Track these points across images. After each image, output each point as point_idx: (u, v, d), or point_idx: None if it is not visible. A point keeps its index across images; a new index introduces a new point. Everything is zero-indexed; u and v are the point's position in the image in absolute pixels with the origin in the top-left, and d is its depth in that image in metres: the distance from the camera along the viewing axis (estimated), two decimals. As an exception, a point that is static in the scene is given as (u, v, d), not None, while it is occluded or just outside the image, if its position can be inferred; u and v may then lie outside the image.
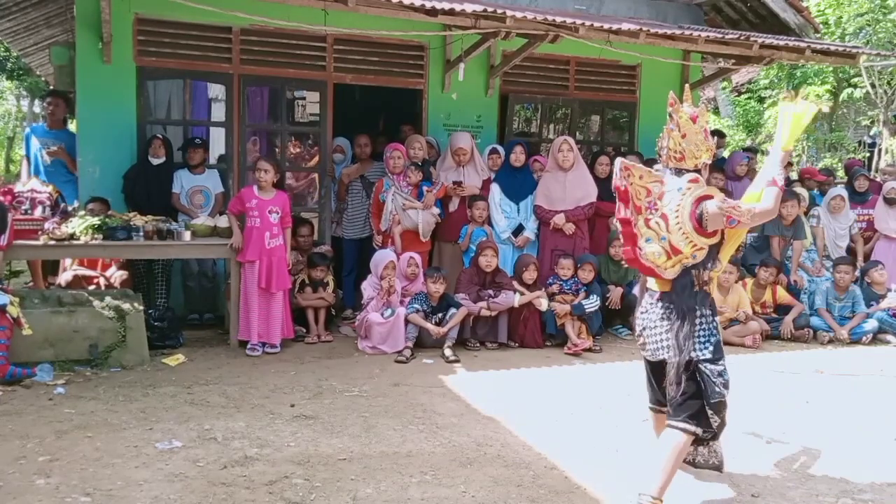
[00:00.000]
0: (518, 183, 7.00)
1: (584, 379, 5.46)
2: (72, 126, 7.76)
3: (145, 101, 6.72)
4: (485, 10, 6.26)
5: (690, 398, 3.23)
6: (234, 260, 5.88)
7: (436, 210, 6.72)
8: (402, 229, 6.62)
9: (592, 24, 6.51)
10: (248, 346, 5.76)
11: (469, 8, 6.19)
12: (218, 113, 7.94)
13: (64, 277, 6.33)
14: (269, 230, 5.80)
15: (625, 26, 6.65)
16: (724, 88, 16.90)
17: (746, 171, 8.23)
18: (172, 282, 6.58)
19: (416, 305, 6.10)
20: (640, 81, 8.43)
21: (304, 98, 11.59)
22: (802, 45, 7.56)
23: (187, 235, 5.88)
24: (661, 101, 8.40)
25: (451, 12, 6.17)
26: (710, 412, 3.23)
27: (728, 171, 8.07)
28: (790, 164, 10.30)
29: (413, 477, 3.55)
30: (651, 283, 3.39)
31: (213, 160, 7.26)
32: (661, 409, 3.58)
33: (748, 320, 6.73)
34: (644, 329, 3.38)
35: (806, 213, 7.87)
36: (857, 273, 7.52)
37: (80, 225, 5.56)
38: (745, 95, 17.02)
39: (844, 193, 8.04)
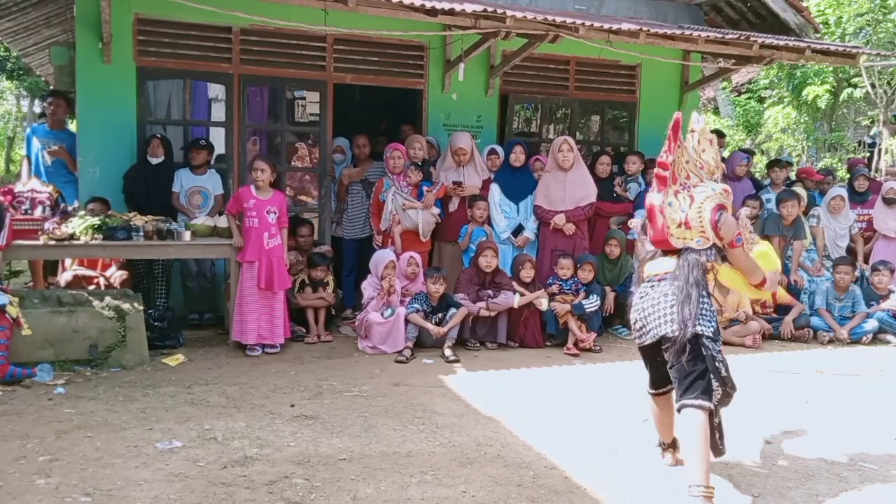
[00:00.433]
0: (518, 183, 7.00)
1: (584, 379, 5.46)
2: (72, 126, 7.77)
3: (145, 101, 6.72)
4: (485, 10, 6.26)
5: (699, 377, 3.29)
6: (233, 260, 5.88)
7: (436, 210, 6.72)
8: (402, 229, 6.62)
9: (592, 24, 6.51)
10: (248, 346, 5.76)
11: (469, 8, 6.19)
12: (218, 113, 7.94)
13: (64, 277, 6.33)
14: (267, 230, 5.79)
15: (625, 26, 6.65)
16: (724, 88, 16.90)
17: (746, 172, 8.24)
18: (172, 282, 6.58)
19: (416, 305, 6.10)
20: (640, 81, 8.43)
21: (304, 98, 11.59)
22: (802, 45, 7.56)
23: (187, 235, 5.87)
24: (661, 101, 8.56)
25: (451, 12, 6.17)
26: (714, 384, 3.29)
27: (728, 171, 8.07)
28: (789, 163, 10.28)
29: (413, 477, 3.55)
30: (652, 268, 3.47)
31: (212, 160, 7.26)
32: (662, 392, 3.67)
33: (748, 320, 6.73)
34: (643, 312, 3.43)
35: (805, 213, 7.87)
36: (858, 273, 7.53)
37: (80, 225, 5.57)
38: (745, 95, 17.03)
39: (844, 193, 8.04)
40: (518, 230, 7.00)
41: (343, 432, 4.11)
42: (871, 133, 15.79)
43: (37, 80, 16.53)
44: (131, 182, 6.48)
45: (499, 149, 7.24)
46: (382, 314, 5.98)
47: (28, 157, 7.50)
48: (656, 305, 3.38)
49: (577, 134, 8.62)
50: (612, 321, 6.95)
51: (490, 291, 6.27)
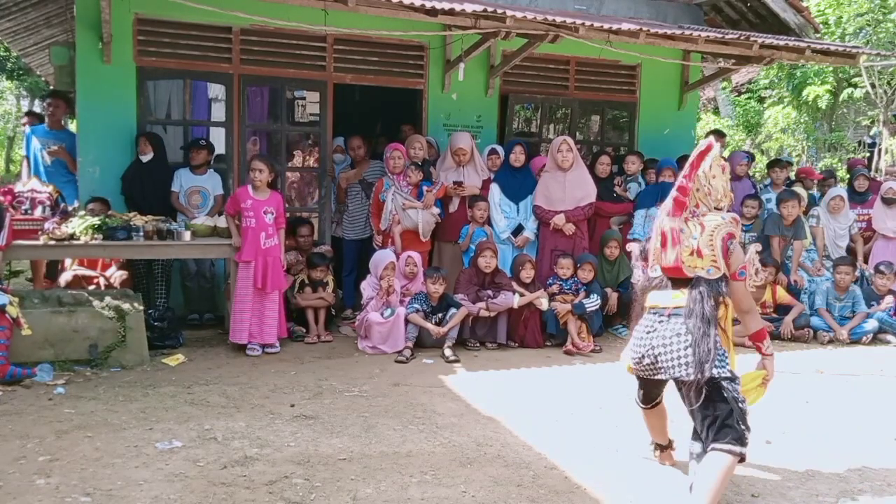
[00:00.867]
0: (518, 183, 7.00)
1: (584, 379, 5.46)
2: (72, 126, 7.76)
3: (145, 101, 6.72)
4: (485, 10, 6.26)
5: (725, 420, 3.14)
6: (233, 260, 5.88)
7: (436, 210, 6.72)
8: (402, 229, 6.62)
9: (592, 24, 6.51)
10: (248, 345, 5.76)
11: (469, 8, 6.19)
12: (218, 113, 7.94)
13: (64, 277, 6.33)
14: (264, 230, 5.79)
15: (625, 26, 6.65)
16: (724, 88, 16.90)
17: (745, 172, 8.23)
18: (172, 282, 6.58)
19: (416, 305, 6.10)
20: (640, 81, 8.43)
21: (304, 98, 11.59)
22: (802, 45, 7.56)
23: (187, 235, 5.88)
24: (661, 101, 8.56)
25: (451, 12, 6.17)
26: (742, 428, 3.16)
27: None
28: (789, 163, 10.27)
29: (413, 477, 3.55)
30: (657, 300, 3.35)
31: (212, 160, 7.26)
32: (652, 406, 3.65)
33: (748, 320, 6.72)
34: (651, 349, 3.28)
35: (805, 213, 7.87)
36: (858, 273, 7.53)
37: (80, 225, 5.57)
38: (745, 95, 17.01)
39: (844, 193, 8.04)
40: (518, 230, 7.00)
41: (343, 432, 4.11)
42: (871, 133, 15.78)
43: (37, 80, 16.53)
44: (128, 182, 6.49)
45: (499, 149, 7.24)
46: (382, 314, 5.98)
47: (27, 157, 7.50)
48: (668, 346, 3.23)
49: (577, 134, 8.63)
50: (613, 321, 6.95)
51: (490, 291, 6.27)
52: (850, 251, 7.92)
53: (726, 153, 9.06)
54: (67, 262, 6.41)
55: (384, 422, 4.31)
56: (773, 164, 8.84)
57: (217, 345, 5.99)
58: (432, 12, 6.10)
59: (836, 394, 5.29)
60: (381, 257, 6.23)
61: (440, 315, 6.10)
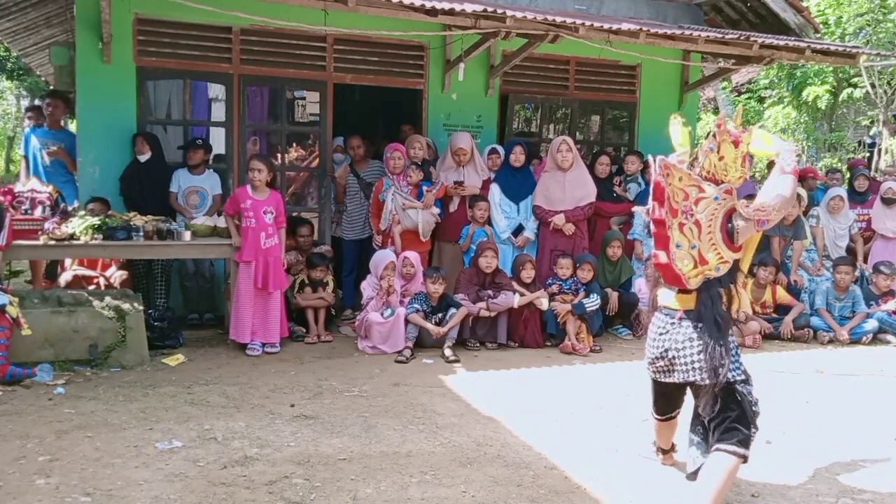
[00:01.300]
0: (518, 183, 7.00)
1: (584, 379, 5.46)
2: (72, 126, 7.76)
3: (145, 101, 6.72)
4: (485, 10, 6.26)
5: (736, 421, 3.11)
6: (232, 260, 5.88)
7: (435, 210, 6.72)
8: (402, 229, 6.62)
9: (592, 24, 6.51)
10: (248, 345, 5.76)
11: (469, 8, 6.19)
12: (218, 113, 7.94)
13: (64, 277, 6.33)
14: (264, 230, 5.79)
15: (625, 26, 6.65)
16: (724, 88, 16.88)
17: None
18: (172, 282, 6.58)
19: (416, 305, 6.10)
20: (640, 81, 8.43)
21: (304, 98, 11.59)
22: (802, 45, 7.56)
23: (187, 235, 5.88)
24: (661, 101, 8.55)
25: (451, 12, 6.17)
26: (752, 430, 3.14)
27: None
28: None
29: (413, 477, 3.55)
30: (669, 300, 3.28)
31: (211, 160, 7.26)
32: (667, 419, 3.59)
33: (748, 320, 6.73)
34: (667, 351, 3.24)
35: (805, 213, 7.87)
36: (858, 273, 7.52)
37: (80, 225, 5.57)
38: (745, 95, 17.01)
39: (843, 193, 8.04)
40: (518, 230, 7.00)
41: (343, 432, 4.11)
42: (871, 133, 15.78)
43: (37, 80, 16.52)
44: (126, 182, 6.49)
45: (500, 148, 7.24)
46: (382, 314, 5.98)
47: (26, 157, 7.50)
48: (681, 350, 3.18)
49: (577, 134, 8.62)
50: (613, 321, 6.95)
51: (490, 291, 6.27)
52: (850, 251, 7.93)
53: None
54: (67, 262, 6.41)
55: (384, 422, 4.31)
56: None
57: (217, 345, 5.99)
58: (432, 12, 6.10)
59: (836, 394, 5.29)
60: (382, 257, 6.23)
61: (440, 315, 6.10)
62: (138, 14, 6.47)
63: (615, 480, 3.60)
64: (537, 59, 7.74)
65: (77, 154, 6.64)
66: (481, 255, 6.32)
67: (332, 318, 6.64)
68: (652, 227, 3.22)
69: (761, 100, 16.52)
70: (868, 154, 14.75)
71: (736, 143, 3.17)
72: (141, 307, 5.41)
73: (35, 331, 4.91)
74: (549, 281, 6.58)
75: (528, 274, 6.39)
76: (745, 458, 3.12)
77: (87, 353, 5.13)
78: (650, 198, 3.21)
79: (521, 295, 6.28)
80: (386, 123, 9.27)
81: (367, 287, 6.20)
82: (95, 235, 5.55)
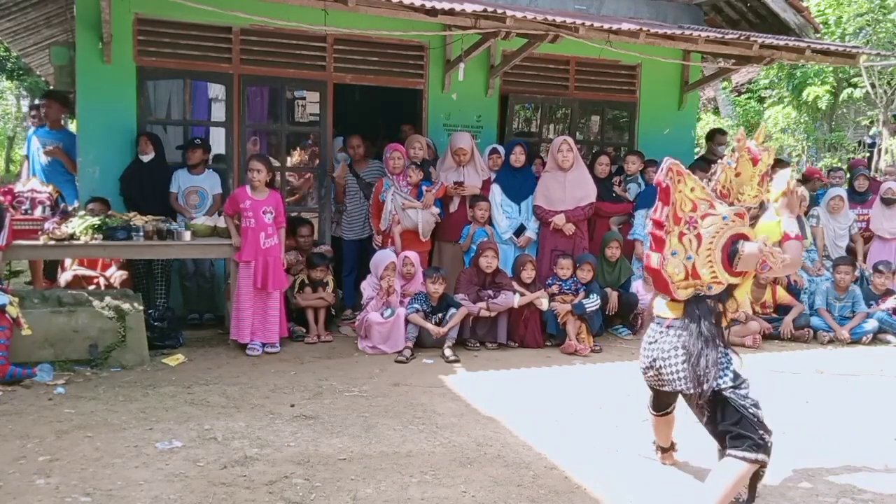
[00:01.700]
0: (519, 183, 7.00)
1: (584, 379, 5.46)
2: (72, 126, 7.77)
3: (145, 101, 6.72)
4: (485, 10, 6.26)
5: (741, 428, 3.04)
6: (232, 259, 5.89)
7: (435, 210, 6.72)
8: (402, 229, 6.62)
9: (592, 24, 6.51)
10: (248, 345, 5.76)
11: (469, 8, 6.19)
12: (218, 113, 7.94)
13: (64, 277, 6.33)
14: (263, 230, 5.79)
15: (625, 26, 6.65)
16: (724, 88, 16.89)
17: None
18: (172, 282, 6.58)
19: (416, 305, 6.10)
20: (640, 81, 8.43)
21: (304, 98, 11.59)
22: (802, 45, 7.56)
23: (187, 235, 5.88)
24: (661, 101, 8.55)
25: (451, 12, 6.17)
26: (762, 433, 3.06)
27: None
28: (789, 164, 10.28)
29: (413, 477, 3.55)
30: (660, 308, 3.27)
31: (211, 160, 7.26)
32: (664, 414, 3.60)
33: (748, 320, 6.73)
34: (654, 361, 3.23)
35: (806, 213, 7.87)
36: (858, 273, 7.52)
37: (80, 225, 5.57)
38: (745, 95, 17.01)
39: (843, 194, 8.05)
40: (520, 230, 7.00)
41: (343, 432, 4.11)
42: (871, 133, 15.78)
43: (37, 80, 16.52)
44: (126, 182, 6.49)
45: (500, 148, 7.24)
46: (382, 314, 5.98)
47: (27, 157, 7.50)
48: (667, 359, 3.17)
49: (577, 134, 8.62)
50: (613, 321, 6.95)
51: (490, 291, 6.27)
52: (850, 251, 7.93)
53: (727, 152, 9.03)
54: (67, 262, 6.41)
55: (384, 422, 4.31)
56: (772, 165, 8.82)
57: (217, 345, 5.98)
58: (432, 12, 6.10)
59: (836, 394, 5.29)
60: (382, 257, 6.23)
61: (440, 315, 6.10)
62: (138, 14, 6.47)
63: (615, 480, 3.60)
64: (537, 59, 7.74)
65: (77, 154, 6.64)
66: (482, 255, 6.32)
67: (332, 318, 6.64)
68: (650, 225, 3.17)
69: (761, 100, 16.53)
70: (868, 154, 14.75)
71: (754, 161, 3.12)
72: (141, 307, 5.41)
73: (35, 331, 4.91)
74: (549, 281, 6.58)
75: (528, 274, 6.39)
76: (760, 463, 3.04)
77: (87, 353, 5.13)
78: (656, 198, 3.16)
79: (521, 295, 6.28)
80: (385, 123, 9.27)
81: (367, 287, 6.20)
82: (95, 235, 5.55)
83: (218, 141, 7.21)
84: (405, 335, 5.93)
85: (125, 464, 3.57)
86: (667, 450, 3.81)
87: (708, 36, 7.06)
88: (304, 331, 6.28)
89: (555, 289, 6.48)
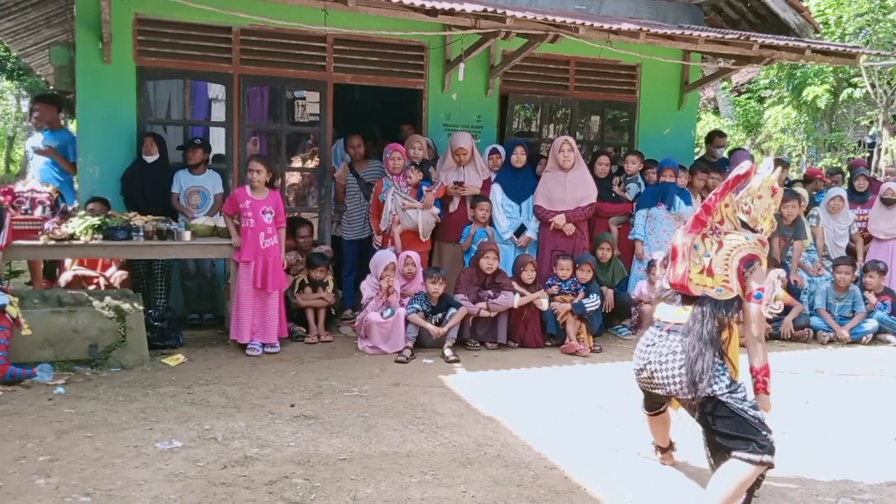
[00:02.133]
0: (519, 183, 7.00)
1: (584, 379, 5.46)
2: (72, 126, 7.76)
3: (145, 101, 6.72)
4: (485, 10, 6.26)
5: (743, 432, 3.04)
6: (233, 260, 5.89)
7: (435, 210, 6.72)
8: (402, 229, 6.62)
9: (592, 24, 6.51)
10: (248, 345, 5.76)
11: (469, 8, 6.19)
12: (218, 113, 7.93)
13: (64, 277, 6.33)
14: (263, 230, 5.80)
15: (625, 26, 6.65)
16: (724, 88, 16.90)
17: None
18: (172, 282, 6.58)
19: (416, 305, 6.10)
20: (640, 81, 8.43)
21: (304, 98, 11.59)
22: (802, 45, 7.56)
23: (187, 235, 5.88)
24: (661, 101, 8.55)
25: (451, 12, 6.17)
26: (765, 434, 3.06)
27: (729, 172, 8.05)
28: (788, 164, 10.27)
29: (413, 477, 3.55)
30: (664, 312, 3.30)
31: (211, 160, 7.26)
32: (656, 413, 3.61)
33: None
34: (648, 364, 3.25)
35: (806, 213, 7.87)
36: (858, 273, 7.53)
37: (80, 225, 5.57)
38: (745, 95, 17.02)
39: (843, 194, 8.05)
40: (520, 230, 7.00)
41: (343, 432, 4.11)
42: (871, 133, 15.79)
43: (37, 80, 16.51)
44: (128, 182, 6.49)
45: (500, 149, 7.24)
46: (382, 314, 5.98)
47: (27, 157, 7.51)
48: (663, 363, 3.18)
49: (577, 134, 8.61)
50: (612, 321, 6.94)
51: (490, 292, 6.27)
52: (850, 251, 7.93)
53: (725, 153, 9.03)
54: (67, 262, 6.41)
55: (384, 422, 4.31)
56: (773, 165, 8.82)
57: (217, 345, 5.99)
58: (432, 12, 6.10)
59: (836, 394, 5.29)
60: (382, 257, 6.23)
61: (440, 315, 6.10)
62: (138, 14, 6.47)
63: (615, 480, 3.60)
64: (537, 59, 7.74)
65: (77, 154, 6.64)
66: (483, 255, 6.32)
67: (332, 318, 6.64)
68: (699, 210, 3.22)
69: (761, 100, 16.54)
70: (868, 154, 14.76)
71: (773, 191, 3.25)
72: (141, 307, 5.41)
73: (35, 331, 4.91)
74: (549, 281, 6.58)
75: (529, 275, 6.39)
76: (766, 465, 3.04)
77: (87, 353, 5.13)
78: (716, 189, 3.24)
79: (521, 295, 6.28)
80: (385, 123, 9.26)
81: (367, 287, 6.20)
82: (95, 235, 5.55)
83: (218, 141, 7.20)
84: (405, 335, 5.93)
85: (125, 464, 3.57)
86: (666, 450, 3.82)
87: (708, 36, 7.06)
88: (304, 331, 6.28)
89: (555, 289, 6.48)
